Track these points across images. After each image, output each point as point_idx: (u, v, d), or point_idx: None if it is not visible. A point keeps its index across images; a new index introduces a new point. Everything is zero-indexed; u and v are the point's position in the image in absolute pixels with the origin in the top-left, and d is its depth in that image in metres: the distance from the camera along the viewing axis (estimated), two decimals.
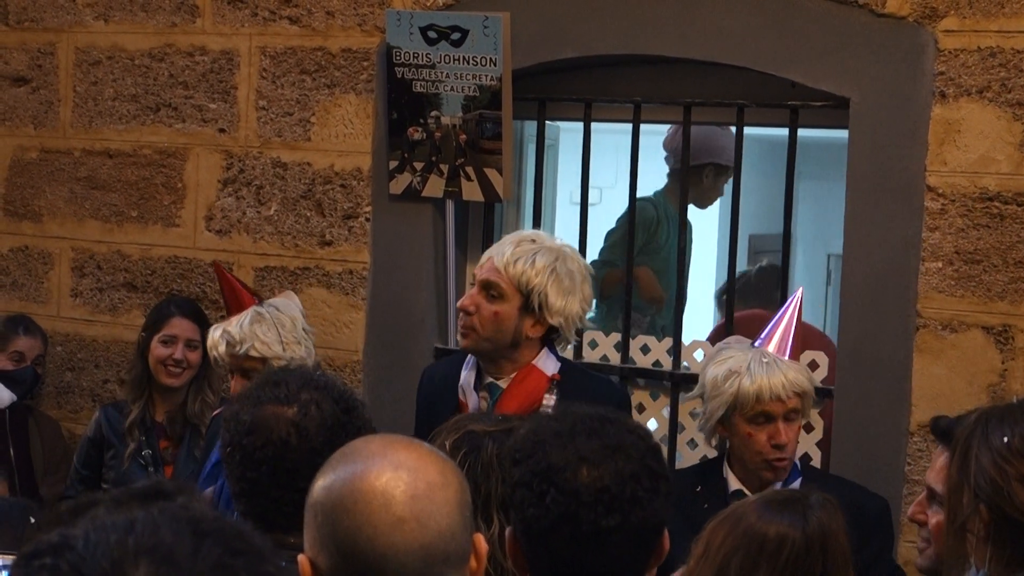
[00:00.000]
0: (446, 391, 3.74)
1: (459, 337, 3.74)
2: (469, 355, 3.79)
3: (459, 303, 3.70)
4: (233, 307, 4.11)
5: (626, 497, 2.11)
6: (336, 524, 1.75)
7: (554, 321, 3.62)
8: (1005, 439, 2.37)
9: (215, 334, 4.02)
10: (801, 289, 3.85)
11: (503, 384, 3.68)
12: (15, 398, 4.67)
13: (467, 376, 3.73)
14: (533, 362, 3.67)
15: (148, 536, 1.19)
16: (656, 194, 5.32)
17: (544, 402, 3.60)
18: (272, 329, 3.98)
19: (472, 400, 3.69)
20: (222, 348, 3.98)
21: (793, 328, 3.64)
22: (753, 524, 2.34)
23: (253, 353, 3.95)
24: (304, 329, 4.07)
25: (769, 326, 3.68)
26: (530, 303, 3.60)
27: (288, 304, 4.13)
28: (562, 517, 2.10)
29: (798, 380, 3.53)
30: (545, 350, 3.70)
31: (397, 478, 1.76)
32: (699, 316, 6.24)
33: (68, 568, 1.16)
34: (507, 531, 2.20)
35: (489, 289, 3.62)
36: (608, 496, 2.10)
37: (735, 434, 3.54)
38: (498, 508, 2.31)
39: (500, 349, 3.66)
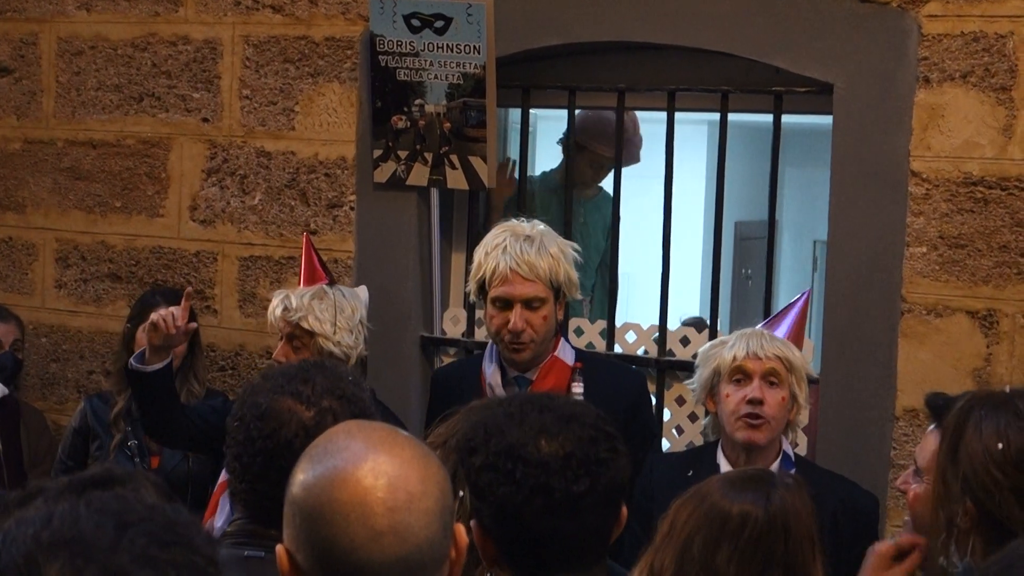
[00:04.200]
0: (466, 391, 3.78)
1: (510, 354, 3.82)
2: (488, 352, 3.92)
3: (509, 328, 3.77)
4: (306, 280, 4.21)
5: (591, 459, 2.15)
6: (313, 531, 1.73)
7: (577, 295, 3.89)
8: (1000, 445, 2.38)
9: (277, 297, 4.12)
10: (810, 290, 4.02)
11: (530, 376, 3.82)
12: (6, 391, 4.65)
13: (493, 374, 3.83)
14: (555, 354, 3.84)
15: (66, 529, 1.17)
16: (546, 175, 5.25)
17: (574, 390, 3.71)
18: (330, 309, 4.04)
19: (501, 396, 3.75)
20: (279, 311, 4.06)
21: (794, 320, 3.78)
22: (716, 502, 2.34)
23: (304, 324, 4.02)
24: (361, 321, 4.12)
25: (773, 316, 3.87)
26: (560, 292, 3.81)
27: (355, 294, 4.21)
28: (534, 489, 2.12)
29: (780, 348, 3.61)
30: (562, 340, 3.90)
31: (376, 487, 1.73)
32: (683, 303, 6.25)
33: None
34: (472, 523, 2.17)
35: (531, 303, 3.77)
36: (575, 461, 2.14)
37: (719, 403, 3.59)
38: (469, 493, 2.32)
39: (546, 347, 3.84)
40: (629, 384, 3.92)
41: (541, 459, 2.13)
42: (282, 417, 2.45)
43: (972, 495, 2.38)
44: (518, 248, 3.78)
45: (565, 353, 3.87)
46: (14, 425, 4.71)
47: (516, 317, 3.76)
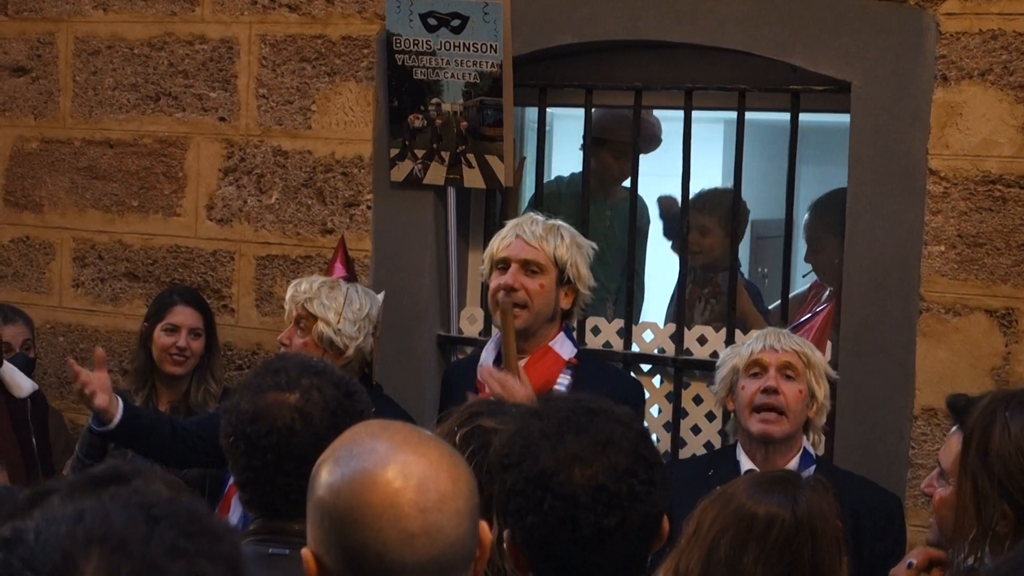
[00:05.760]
0: (470, 384, 3.81)
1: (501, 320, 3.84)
2: (492, 339, 3.95)
3: (501, 283, 3.83)
4: (328, 275, 4.27)
5: (624, 494, 2.06)
6: (343, 534, 1.72)
7: (584, 289, 3.87)
8: None
9: (294, 282, 4.20)
10: (835, 301, 4.06)
11: (522, 364, 3.81)
12: (36, 387, 4.66)
13: (486, 358, 3.83)
14: (549, 344, 3.84)
15: (99, 525, 1.18)
16: (574, 176, 5.19)
17: (559, 382, 3.70)
18: (338, 299, 4.09)
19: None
20: (290, 292, 4.14)
21: (816, 328, 3.83)
22: (743, 503, 2.33)
23: (309, 307, 4.07)
24: (368, 317, 4.13)
25: (796, 324, 3.91)
26: (565, 275, 3.83)
27: (370, 293, 4.24)
28: (562, 522, 2.06)
29: (798, 343, 3.62)
30: (562, 334, 3.89)
31: (407, 488, 1.72)
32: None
33: (20, 564, 1.15)
34: (505, 533, 2.16)
35: (529, 266, 3.82)
36: (606, 494, 2.06)
37: (736, 399, 3.59)
38: (498, 512, 2.23)
39: (541, 324, 3.84)
40: (621, 394, 3.70)
41: (571, 491, 2.05)
42: (272, 411, 2.49)
43: (1008, 498, 2.37)
44: (529, 223, 3.89)
45: (561, 345, 3.86)
46: (44, 421, 4.71)
47: (510, 274, 3.82)
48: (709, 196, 5.07)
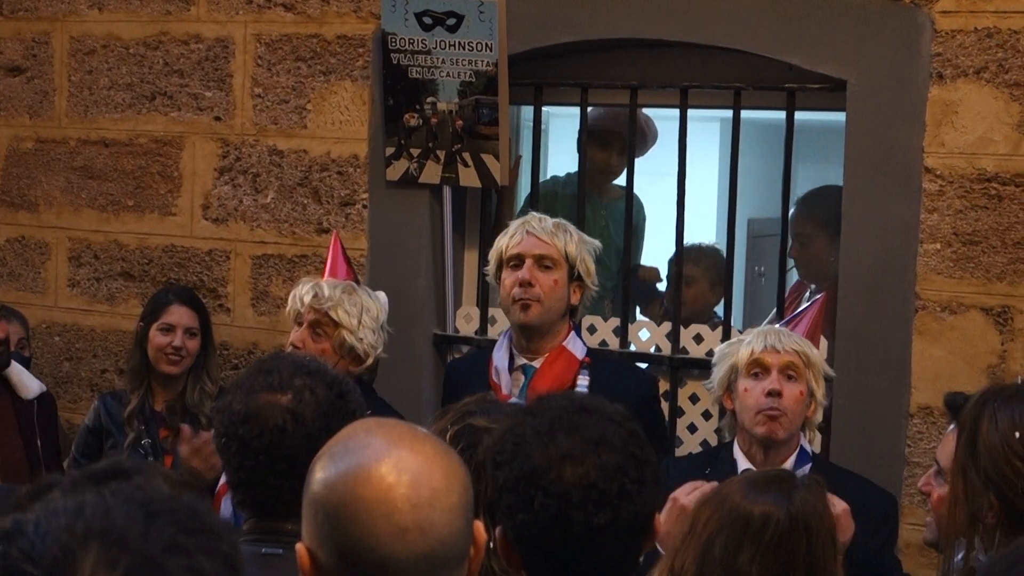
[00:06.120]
0: (476, 382, 3.80)
1: (519, 314, 3.84)
2: (501, 338, 3.95)
3: (518, 277, 3.83)
4: (331, 275, 4.23)
5: (614, 492, 2.07)
6: (336, 528, 1.73)
7: (591, 286, 3.90)
8: (1017, 435, 2.39)
9: (304, 285, 4.11)
10: (826, 293, 4.05)
11: (536, 364, 3.84)
12: (44, 388, 4.65)
13: (500, 358, 3.84)
14: (564, 344, 3.86)
15: (98, 519, 1.18)
16: (570, 176, 5.18)
17: (578, 384, 3.77)
18: (357, 305, 4.05)
19: (505, 381, 3.80)
20: (307, 298, 4.04)
21: (810, 322, 3.81)
22: (738, 503, 2.33)
23: (333, 315, 4.01)
24: (382, 325, 4.12)
25: (790, 318, 3.88)
26: (575, 271, 3.86)
27: (379, 297, 4.21)
28: (552, 520, 2.06)
29: (798, 343, 3.59)
30: (572, 334, 3.91)
31: (400, 483, 1.72)
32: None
33: (18, 555, 1.16)
34: (497, 530, 2.15)
35: (543, 260, 3.83)
36: (596, 493, 2.06)
37: (737, 399, 3.57)
38: (486, 510, 2.21)
39: (554, 321, 3.86)
40: (637, 385, 3.89)
41: (562, 489, 2.06)
42: (264, 412, 2.49)
43: (995, 489, 2.38)
44: (537, 220, 3.90)
45: (574, 345, 3.88)
46: (52, 422, 4.71)
47: (526, 269, 3.83)
48: (695, 251, 5.08)
